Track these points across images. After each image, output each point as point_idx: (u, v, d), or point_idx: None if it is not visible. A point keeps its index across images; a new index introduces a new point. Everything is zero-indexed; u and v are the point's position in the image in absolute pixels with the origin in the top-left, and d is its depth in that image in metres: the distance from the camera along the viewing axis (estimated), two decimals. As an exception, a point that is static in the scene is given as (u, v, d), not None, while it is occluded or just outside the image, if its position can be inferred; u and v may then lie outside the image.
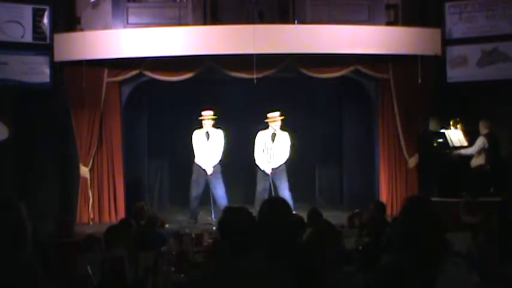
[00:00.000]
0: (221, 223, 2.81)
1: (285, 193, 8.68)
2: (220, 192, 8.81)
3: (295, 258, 2.62)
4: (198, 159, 8.82)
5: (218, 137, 8.84)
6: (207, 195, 8.90)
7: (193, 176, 8.87)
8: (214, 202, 8.78)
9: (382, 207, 6.65)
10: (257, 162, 8.81)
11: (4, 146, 8.84)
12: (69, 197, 9.30)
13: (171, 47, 8.77)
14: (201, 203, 9.01)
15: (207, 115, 8.83)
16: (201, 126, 8.86)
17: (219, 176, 8.86)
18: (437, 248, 2.44)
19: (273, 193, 8.63)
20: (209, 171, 8.75)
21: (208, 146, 8.80)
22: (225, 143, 8.87)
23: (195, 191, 8.85)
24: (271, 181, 8.70)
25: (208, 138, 8.82)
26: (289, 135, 8.86)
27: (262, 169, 8.76)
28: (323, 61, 9.06)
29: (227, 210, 2.96)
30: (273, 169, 8.71)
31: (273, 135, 8.81)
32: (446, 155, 9.22)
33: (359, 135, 10.18)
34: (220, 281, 2.59)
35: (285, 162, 8.80)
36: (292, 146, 8.87)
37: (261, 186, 8.76)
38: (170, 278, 4.19)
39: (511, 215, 2.97)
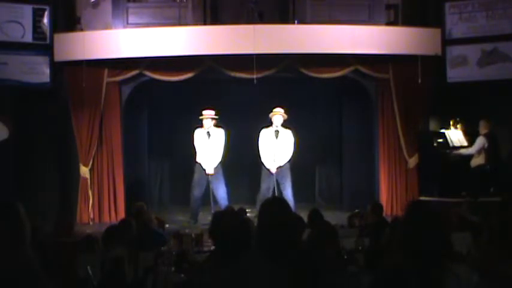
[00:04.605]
0: (210, 227, 2.85)
1: (288, 192, 8.67)
2: (221, 193, 8.79)
3: (295, 258, 2.62)
4: (200, 158, 8.81)
5: (219, 137, 8.81)
6: (207, 195, 8.89)
7: (195, 176, 8.85)
8: (215, 202, 8.77)
9: (379, 209, 6.60)
10: (262, 160, 8.76)
11: (4, 146, 8.83)
12: (69, 197, 9.29)
13: (171, 47, 8.77)
14: (202, 203, 9.00)
15: (208, 114, 8.82)
16: (202, 125, 8.85)
17: (221, 177, 8.84)
18: (438, 249, 2.44)
19: (276, 192, 8.61)
20: (209, 171, 8.74)
21: (209, 145, 8.77)
22: (225, 143, 8.86)
23: (197, 192, 8.82)
24: (275, 180, 8.69)
25: (209, 137, 8.81)
26: (292, 133, 8.84)
27: (267, 167, 8.72)
28: (323, 61, 9.06)
29: (215, 214, 3.00)
30: (278, 167, 8.69)
31: (276, 133, 8.78)
32: (446, 155, 9.23)
33: (359, 135, 10.16)
34: (219, 281, 2.59)
35: (289, 160, 8.79)
36: (295, 145, 8.86)
37: (265, 185, 8.72)
38: (170, 278, 4.19)
39: (511, 215, 2.97)
